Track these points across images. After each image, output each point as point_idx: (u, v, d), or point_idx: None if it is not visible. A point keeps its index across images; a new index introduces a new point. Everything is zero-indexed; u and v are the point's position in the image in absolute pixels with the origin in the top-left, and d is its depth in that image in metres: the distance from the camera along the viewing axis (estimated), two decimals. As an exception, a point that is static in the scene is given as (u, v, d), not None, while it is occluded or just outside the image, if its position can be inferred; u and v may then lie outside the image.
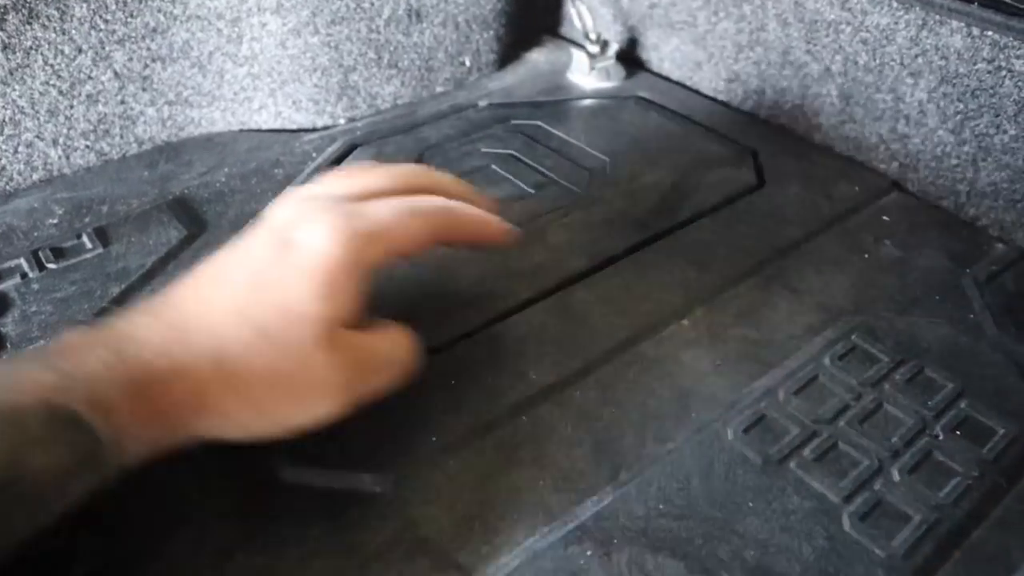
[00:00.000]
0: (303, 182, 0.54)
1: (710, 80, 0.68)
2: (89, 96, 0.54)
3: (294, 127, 0.62)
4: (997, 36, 0.50)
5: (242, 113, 0.61)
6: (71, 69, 0.53)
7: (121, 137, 0.57)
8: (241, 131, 0.61)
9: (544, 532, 0.34)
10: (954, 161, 0.54)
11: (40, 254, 0.48)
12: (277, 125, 0.62)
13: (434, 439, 0.37)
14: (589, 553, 0.33)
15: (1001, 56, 0.50)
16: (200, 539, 0.33)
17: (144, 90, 0.57)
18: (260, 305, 0.32)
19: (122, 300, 0.45)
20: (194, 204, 0.53)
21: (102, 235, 0.49)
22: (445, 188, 0.39)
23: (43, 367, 0.28)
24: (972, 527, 0.34)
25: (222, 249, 0.35)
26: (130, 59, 0.55)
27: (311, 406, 0.33)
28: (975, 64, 0.51)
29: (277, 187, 0.54)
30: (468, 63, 0.68)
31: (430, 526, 0.34)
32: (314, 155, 0.58)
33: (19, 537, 0.27)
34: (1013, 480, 0.36)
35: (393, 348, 0.36)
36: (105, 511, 0.34)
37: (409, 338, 0.36)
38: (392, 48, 0.63)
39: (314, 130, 0.62)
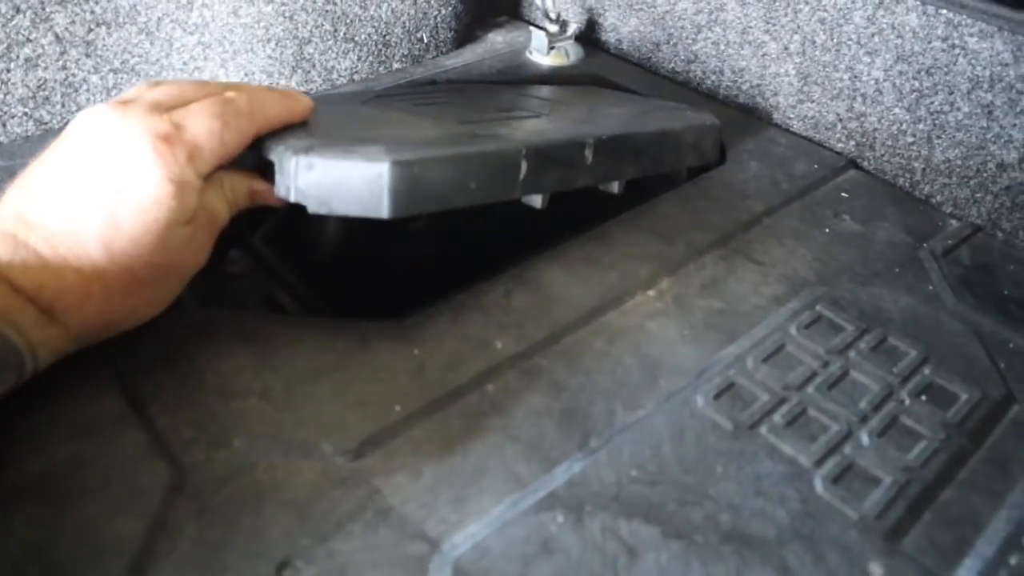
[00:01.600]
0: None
1: (669, 61, 0.67)
2: (28, 60, 0.52)
3: (245, 100, 0.60)
4: (951, 14, 0.51)
5: (191, 84, 0.59)
6: (7, 30, 0.50)
7: (63, 106, 0.54)
8: (190, 103, 0.59)
9: (514, 500, 0.33)
10: (910, 139, 0.55)
11: (-26, 224, 0.45)
12: (228, 98, 0.60)
13: (397, 408, 0.36)
14: (561, 520, 0.32)
15: (955, 34, 0.51)
16: (150, 512, 0.31)
17: (87, 56, 0.54)
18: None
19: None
20: (140, 175, 0.50)
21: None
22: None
23: None
24: (940, 488, 0.34)
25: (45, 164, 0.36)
26: (72, 22, 0.52)
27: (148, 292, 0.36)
28: (930, 42, 0.52)
29: (229, 159, 0.52)
30: (426, 39, 0.67)
31: (395, 495, 0.33)
32: (267, 128, 0.56)
33: None
34: (978, 442, 0.37)
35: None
36: (51, 487, 0.32)
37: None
38: (349, 21, 0.61)
39: (266, 103, 0.60)
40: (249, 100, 0.38)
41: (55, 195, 0.34)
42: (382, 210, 0.36)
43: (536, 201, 0.42)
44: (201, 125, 0.36)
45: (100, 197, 0.34)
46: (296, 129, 0.40)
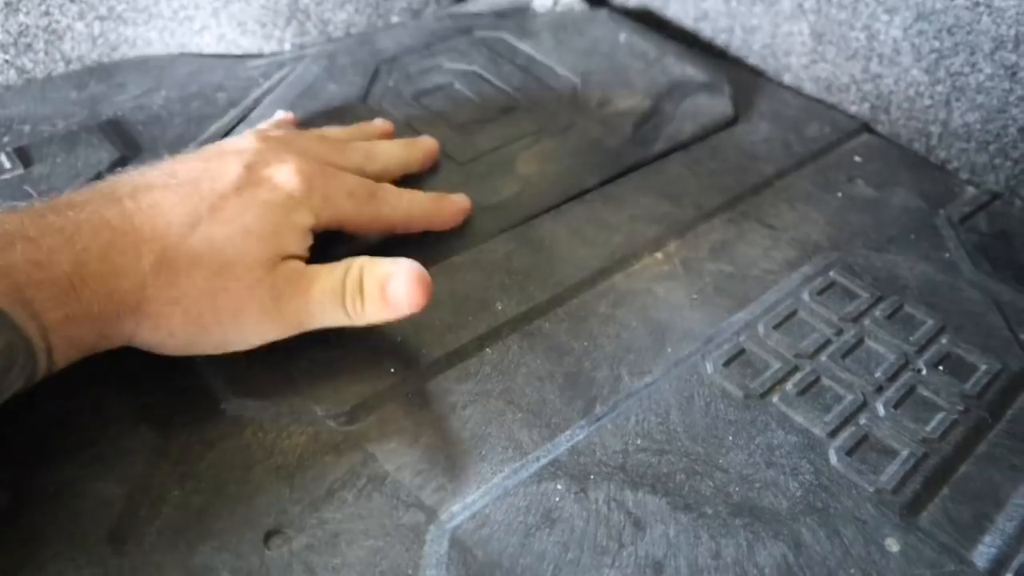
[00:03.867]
0: (250, 107, 0.50)
1: (678, 18, 0.65)
2: (8, 4, 0.49)
3: (239, 52, 0.58)
4: (976, -29, 0.49)
5: (181, 34, 0.56)
6: (-14, -28, 0.48)
7: (46, 53, 0.52)
8: (180, 54, 0.57)
9: (515, 468, 0.31)
10: (927, 102, 0.53)
11: (-49, 173, 0.43)
12: (220, 49, 0.57)
13: (393, 370, 0.34)
14: (564, 490, 0.30)
15: (980, -9, 0.49)
16: (132, 476, 0.30)
17: (72, 2, 0.51)
18: (215, 224, 0.32)
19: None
20: (128, 126, 0.48)
21: (23, 155, 0.45)
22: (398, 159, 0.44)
23: None
24: (959, 462, 0.33)
25: (176, 159, 0.35)
26: (55, -35, 0.50)
27: (250, 329, 0.32)
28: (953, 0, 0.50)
29: (220, 112, 0.50)
30: (426, -8, 0.64)
31: (390, 462, 0.31)
32: (261, 80, 0.53)
33: None
34: (997, 415, 0.35)
35: (327, 282, 0.33)
36: (27, 447, 0.30)
37: (345, 270, 0.33)
38: (345, -31, 0.59)
39: (260, 56, 0.57)
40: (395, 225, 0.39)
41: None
42: None
43: None
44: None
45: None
46: None
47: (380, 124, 0.47)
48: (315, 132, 0.43)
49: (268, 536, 0.28)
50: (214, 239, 0.31)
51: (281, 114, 0.46)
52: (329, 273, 0.33)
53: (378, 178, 0.40)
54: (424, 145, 0.46)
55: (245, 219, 0.32)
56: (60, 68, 0.53)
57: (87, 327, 0.29)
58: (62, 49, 0.53)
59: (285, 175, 0.34)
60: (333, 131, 0.44)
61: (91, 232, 0.29)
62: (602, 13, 0.63)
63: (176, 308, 0.30)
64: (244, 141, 0.37)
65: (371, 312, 0.32)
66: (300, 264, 0.33)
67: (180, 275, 0.30)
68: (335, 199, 0.36)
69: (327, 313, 0.33)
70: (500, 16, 0.61)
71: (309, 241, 0.34)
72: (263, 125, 0.43)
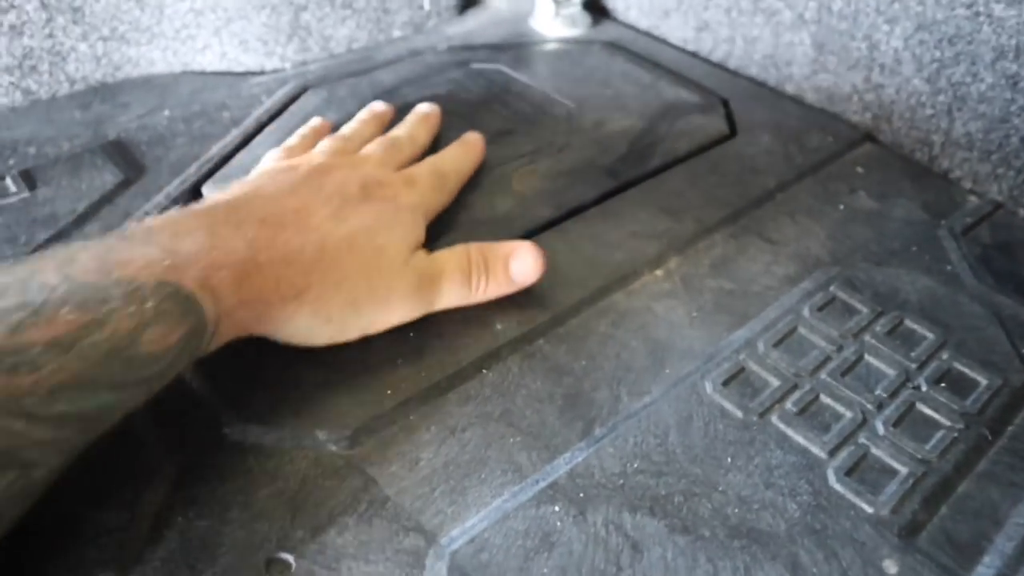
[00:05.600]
0: (253, 124, 0.51)
1: (679, 28, 0.65)
2: (12, 27, 0.50)
3: (240, 69, 0.58)
4: (976, -19, 0.48)
5: (184, 53, 0.57)
6: (-9, -3, 0.49)
7: (50, 75, 0.53)
8: (183, 72, 0.57)
9: (514, 491, 0.31)
10: (929, 111, 0.53)
11: (-42, 198, 0.43)
12: (222, 67, 0.58)
13: (393, 393, 0.34)
14: (563, 512, 0.31)
15: (980, 1, 0.48)
16: (137, 502, 0.30)
17: (75, 23, 0.52)
18: (357, 220, 0.36)
19: (50, 246, 0.41)
20: (131, 147, 0.49)
21: (28, 177, 0.45)
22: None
23: (156, 248, 0.29)
24: (958, 480, 0.33)
25: (287, 174, 0.37)
26: (58, -12, 0.50)
27: (395, 308, 0.36)
28: (953, 10, 0.50)
29: (223, 130, 0.50)
30: (427, 6, 0.64)
31: (390, 485, 0.31)
32: (263, 98, 0.54)
33: (131, 404, 0.28)
34: (997, 432, 0.35)
35: (456, 264, 0.38)
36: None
37: (467, 253, 0.38)
38: (346, -14, 0.59)
39: (262, 73, 0.58)
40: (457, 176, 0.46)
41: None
42: None
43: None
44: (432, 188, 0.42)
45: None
46: None
47: (381, 109, 0.49)
48: (350, 137, 0.45)
49: (270, 562, 0.29)
50: (360, 231, 0.35)
51: (316, 121, 0.48)
52: (454, 257, 0.38)
53: (447, 176, 0.45)
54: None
55: (381, 218, 0.36)
56: (64, 89, 0.54)
57: (252, 313, 0.32)
58: (66, 70, 0.53)
59: (394, 189, 0.39)
60: (355, 130, 0.46)
61: (255, 224, 0.32)
62: (596, 45, 0.63)
63: (338, 291, 0.34)
64: (321, 158, 0.40)
65: (493, 288, 0.38)
66: (428, 253, 0.38)
67: (341, 260, 0.34)
68: (431, 200, 0.42)
69: (455, 292, 0.37)
70: (497, 49, 0.62)
71: (423, 236, 0.39)
72: (301, 132, 0.46)
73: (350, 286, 0.34)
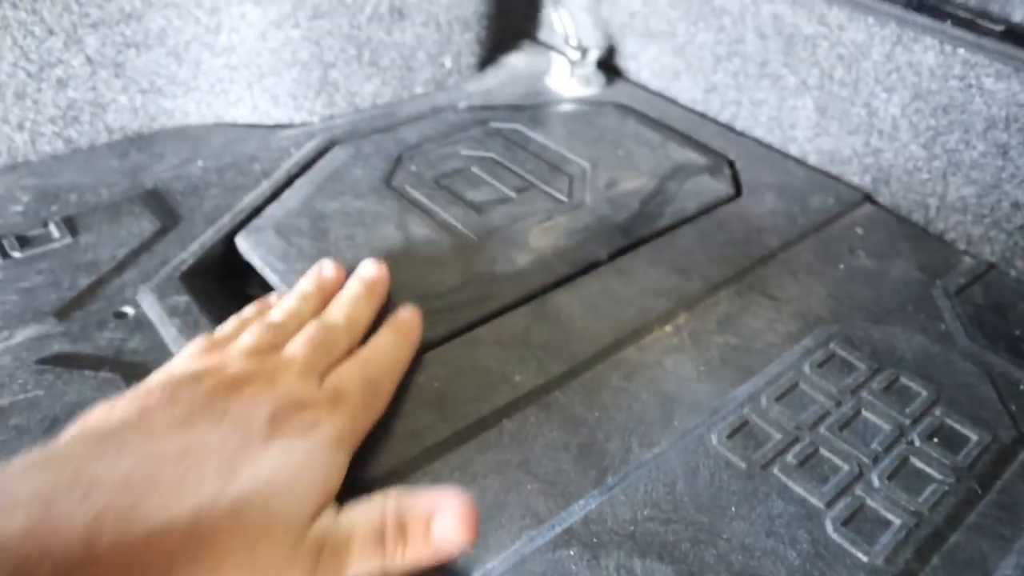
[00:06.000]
0: (283, 177, 0.53)
1: (688, 90, 0.68)
2: (59, 80, 0.53)
3: (271, 122, 0.61)
4: (968, 54, 0.51)
5: (218, 106, 0.60)
6: (41, 51, 0.52)
7: (91, 124, 0.56)
8: (216, 124, 0.60)
9: (532, 536, 0.33)
10: (925, 175, 0.56)
11: (4, 242, 0.46)
12: (254, 119, 0.61)
13: (415, 439, 0.37)
14: (578, 557, 0.33)
15: (972, 74, 0.51)
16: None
17: (116, 77, 0.55)
18: (248, 470, 0.29)
19: (92, 291, 0.43)
20: (167, 196, 0.51)
21: (70, 224, 0.48)
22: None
23: None
24: (949, 532, 0.35)
25: (188, 389, 0.32)
26: (103, 44, 0.54)
27: None
28: (947, 81, 0.53)
29: (253, 182, 0.53)
30: (448, 64, 0.68)
31: (416, 528, 0.33)
32: (292, 151, 0.57)
33: None
34: (987, 486, 0.37)
35: (367, 529, 0.31)
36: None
37: (382, 513, 0.31)
38: (373, 46, 0.62)
39: (291, 126, 0.61)
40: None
41: None
42: None
43: None
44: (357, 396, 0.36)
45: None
46: None
47: (329, 275, 0.43)
48: (282, 325, 0.39)
49: (303, 599, 0.31)
50: (252, 494, 0.28)
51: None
52: (367, 519, 0.31)
53: (380, 385, 0.38)
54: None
55: (284, 468, 0.30)
56: (103, 138, 0.57)
57: None
58: (106, 120, 0.56)
59: (315, 414, 0.33)
60: (291, 311, 0.40)
61: (113, 486, 0.26)
62: (609, 106, 0.67)
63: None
64: (236, 367, 0.34)
65: (412, 556, 0.30)
66: (333, 514, 0.31)
67: (218, 541, 0.27)
68: (359, 421, 0.36)
69: (364, 564, 0.30)
70: (515, 109, 0.65)
71: (338, 481, 0.32)
72: (243, 316, 0.41)
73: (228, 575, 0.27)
